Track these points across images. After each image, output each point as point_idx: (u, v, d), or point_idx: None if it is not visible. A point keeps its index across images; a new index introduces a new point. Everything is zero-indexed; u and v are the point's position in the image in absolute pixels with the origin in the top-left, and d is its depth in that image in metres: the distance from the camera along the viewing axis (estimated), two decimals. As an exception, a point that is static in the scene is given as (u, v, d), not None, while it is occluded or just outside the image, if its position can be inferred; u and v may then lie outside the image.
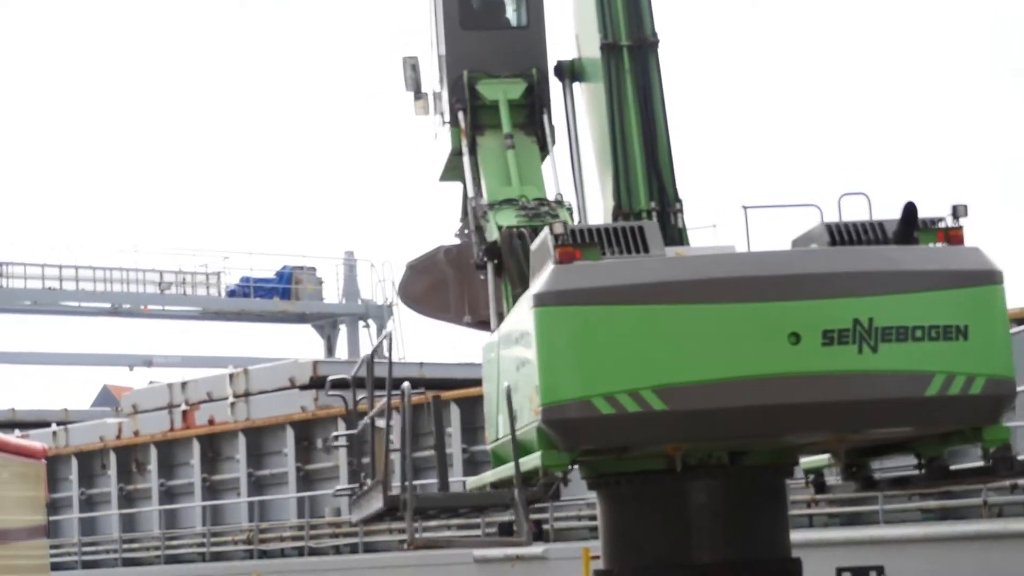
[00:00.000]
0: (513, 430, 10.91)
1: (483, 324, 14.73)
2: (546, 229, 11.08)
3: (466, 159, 13.68)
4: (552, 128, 13.81)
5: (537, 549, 22.98)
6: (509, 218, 12.88)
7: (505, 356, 11.93)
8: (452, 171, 14.38)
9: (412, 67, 14.49)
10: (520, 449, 11.05)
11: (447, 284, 14.79)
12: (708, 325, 10.44)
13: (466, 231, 14.81)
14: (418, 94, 14.58)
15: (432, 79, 14.58)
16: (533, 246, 11.67)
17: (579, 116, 13.79)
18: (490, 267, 13.03)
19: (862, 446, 12.04)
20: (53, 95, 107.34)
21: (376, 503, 11.82)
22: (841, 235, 11.09)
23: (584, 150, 13.67)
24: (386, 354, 12.64)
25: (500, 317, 12.87)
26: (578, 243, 10.76)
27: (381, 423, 12.35)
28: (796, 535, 12.71)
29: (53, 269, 52.15)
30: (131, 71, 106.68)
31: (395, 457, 11.63)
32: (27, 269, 52.02)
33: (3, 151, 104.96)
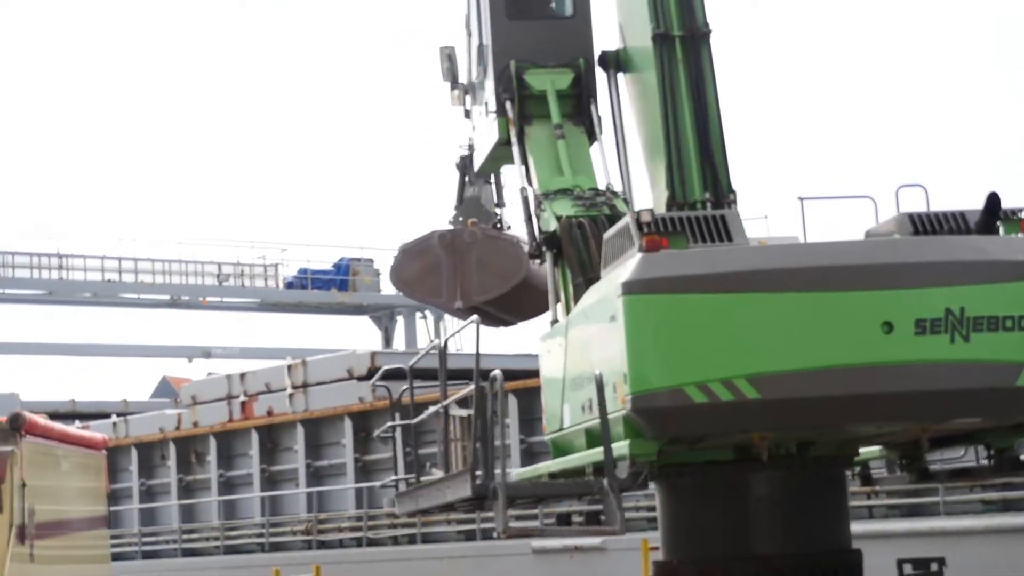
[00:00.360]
0: (604, 416, 10.82)
1: (474, 311, 14.69)
2: (627, 216, 11.04)
3: (515, 149, 13.64)
4: (599, 118, 13.73)
5: (595, 540, 22.93)
6: (566, 208, 12.83)
7: (575, 345, 11.87)
8: (494, 162, 14.37)
9: (448, 58, 14.44)
10: (595, 438, 11.03)
11: (440, 269, 14.85)
12: (801, 313, 10.41)
13: (460, 218, 14.82)
14: (454, 85, 14.56)
15: (469, 70, 14.53)
16: (608, 234, 11.61)
17: (625, 106, 13.72)
18: (548, 257, 12.98)
19: (936, 436, 11.96)
20: (118, 88, 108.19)
21: (459, 491, 11.81)
22: (924, 225, 11.06)
23: (630, 140, 13.59)
24: (451, 345, 12.61)
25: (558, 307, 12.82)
26: (663, 231, 10.75)
27: (453, 412, 12.33)
28: (856, 526, 12.65)
29: (113, 262, 52.58)
30: (192, 67, 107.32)
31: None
32: (87, 262, 52.45)
33: (64, 146, 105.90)
